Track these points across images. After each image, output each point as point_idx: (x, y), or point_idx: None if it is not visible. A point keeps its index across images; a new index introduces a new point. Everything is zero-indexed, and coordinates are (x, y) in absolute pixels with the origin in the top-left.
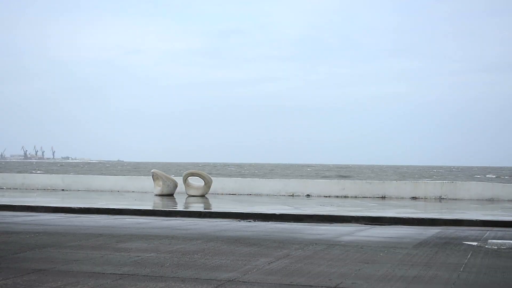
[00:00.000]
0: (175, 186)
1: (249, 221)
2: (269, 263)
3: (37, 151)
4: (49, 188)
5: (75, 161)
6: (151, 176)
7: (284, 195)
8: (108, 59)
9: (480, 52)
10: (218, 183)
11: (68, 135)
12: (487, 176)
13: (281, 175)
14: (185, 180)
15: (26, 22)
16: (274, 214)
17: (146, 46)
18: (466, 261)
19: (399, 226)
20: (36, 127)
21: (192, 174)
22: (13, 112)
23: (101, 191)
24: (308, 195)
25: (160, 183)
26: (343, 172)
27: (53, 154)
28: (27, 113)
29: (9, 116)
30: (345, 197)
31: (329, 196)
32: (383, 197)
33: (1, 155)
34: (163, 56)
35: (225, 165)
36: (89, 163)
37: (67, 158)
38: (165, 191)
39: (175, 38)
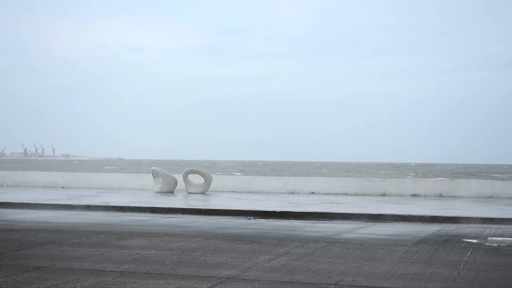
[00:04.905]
0: (175, 183)
1: (249, 219)
2: (269, 261)
3: (37, 148)
4: (49, 185)
5: (75, 158)
6: (151, 174)
7: (284, 193)
8: (111, 56)
9: (478, 49)
10: (218, 181)
11: (68, 133)
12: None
13: (284, 172)
14: (185, 178)
15: (31, 20)
16: (274, 212)
17: (149, 44)
18: (466, 258)
19: (399, 223)
20: (36, 124)
21: (192, 172)
22: (13, 109)
23: (101, 188)
24: (312, 193)
25: (160, 180)
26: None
27: (53, 152)
28: (28, 110)
29: (9, 113)
30: (345, 194)
31: (330, 194)
32: (383, 195)
33: (1, 152)
34: (166, 53)
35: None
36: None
37: (67, 155)
38: (165, 189)
39: (178, 36)
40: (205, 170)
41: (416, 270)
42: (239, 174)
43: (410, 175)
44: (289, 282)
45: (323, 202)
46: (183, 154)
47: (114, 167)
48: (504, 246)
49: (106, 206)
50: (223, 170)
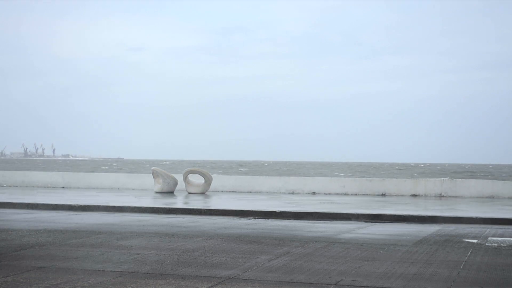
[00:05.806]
0: (175, 183)
1: (249, 219)
2: (269, 261)
3: (37, 148)
4: (49, 185)
5: (75, 158)
6: (151, 174)
7: (284, 193)
8: (111, 56)
9: (478, 49)
10: (218, 181)
11: (68, 133)
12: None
13: (281, 171)
14: (185, 178)
15: (31, 20)
16: (274, 212)
17: (149, 44)
18: (466, 258)
19: (399, 223)
20: (36, 124)
21: (193, 172)
22: (13, 109)
23: (101, 188)
24: (314, 193)
25: (160, 180)
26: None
27: (53, 152)
28: (28, 110)
29: (9, 113)
30: (346, 194)
31: (330, 194)
32: (383, 195)
33: (1, 152)
34: (166, 53)
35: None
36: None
37: (68, 155)
38: (165, 189)
39: (178, 36)
40: (205, 170)
41: (416, 270)
42: (239, 174)
43: (414, 175)
44: (289, 282)
45: (323, 202)
46: (183, 154)
47: (107, 167)
48: (504, 246)
49: (106, 206)
50: (223, 170)
